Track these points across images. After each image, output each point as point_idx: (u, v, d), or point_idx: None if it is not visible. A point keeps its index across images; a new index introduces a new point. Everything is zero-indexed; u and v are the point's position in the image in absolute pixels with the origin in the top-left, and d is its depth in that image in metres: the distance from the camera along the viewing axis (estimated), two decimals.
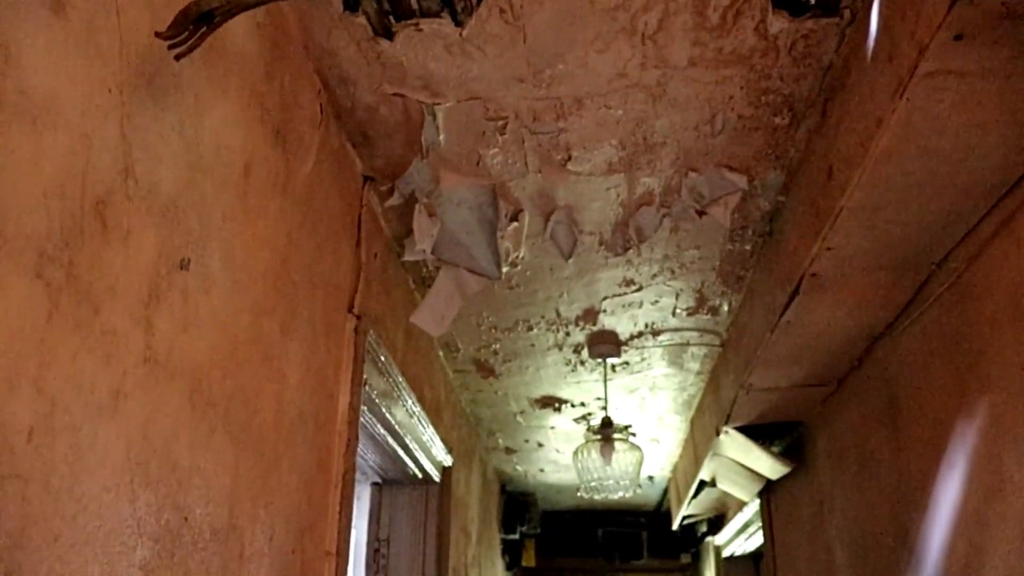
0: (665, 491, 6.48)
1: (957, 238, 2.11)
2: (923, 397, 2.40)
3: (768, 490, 4.20)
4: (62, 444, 1.05)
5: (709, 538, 6.22)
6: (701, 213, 2.50)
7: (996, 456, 2.01)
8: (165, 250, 1.31)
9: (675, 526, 6.02)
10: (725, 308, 3.20)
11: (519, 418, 4.61)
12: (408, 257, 2.64)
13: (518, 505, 6.45)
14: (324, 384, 2.06)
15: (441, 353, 3.64)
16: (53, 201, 1.04)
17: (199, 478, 1.40)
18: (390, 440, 2.87)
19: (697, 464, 4.38)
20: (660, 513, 7.30)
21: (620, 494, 3.63)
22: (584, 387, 4.08)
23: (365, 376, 2.31)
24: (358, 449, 2.77)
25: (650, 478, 6.06)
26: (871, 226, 2.03)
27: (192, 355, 1.39)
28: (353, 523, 3.39)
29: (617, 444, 3.54)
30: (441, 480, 3.58)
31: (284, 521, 1.78)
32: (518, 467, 5.75)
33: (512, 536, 6.49)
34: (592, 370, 3.82)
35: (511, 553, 6.80)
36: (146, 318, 1.25)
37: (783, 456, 3.57)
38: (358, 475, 3.36)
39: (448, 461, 3.62)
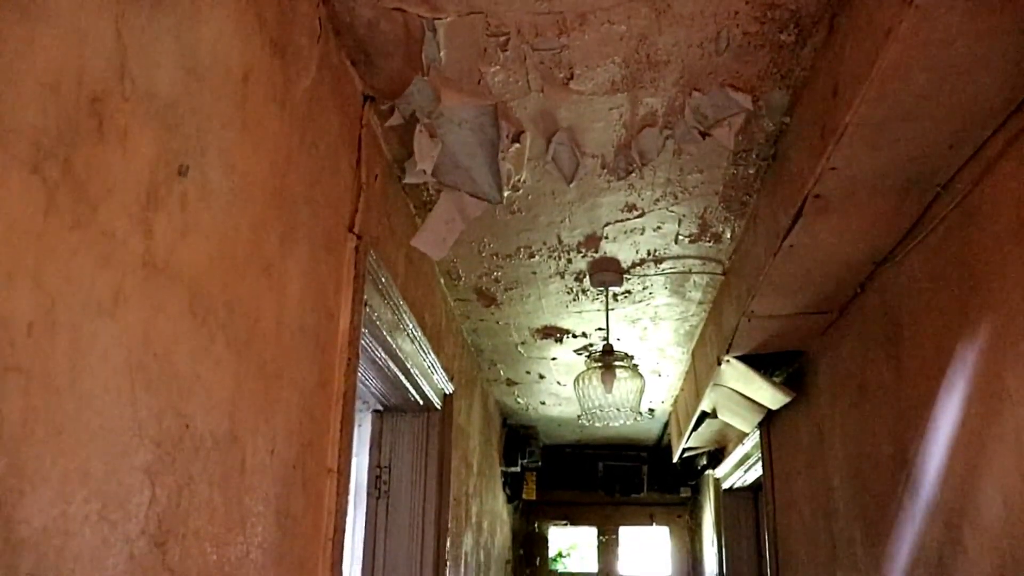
0: (666, 425, 6.54)
1: (964, 158, 2.09)
2: (925, 322, 2.40)
3: (768, 421, 4.22)
4: (63, 340, 1.04)
5: (709, 471, 6.28)
6: (704, 135, 2.47)
7: (996, 375, 2.01)
8: (163, 155, 1.30)
9: (675, 459, 6.07)
10: (728, 235, 3.19)
11: (520, 349, 4.62)
12: (409, 180, 2.62)
13: (519, 438, 6.51)
14: (324, 302, 2.05)
15: (442, 281, 3.64)
16: (48, 95, 1.03)
17: (199, 386, 1.41)
18: (391, 365, 2.88)
19: (698, 396, 4.40)
20: (660, 447, 7.37)
21: (621, 421, 3.65)
22: (586, 317, 4.08)
23: (366, 297, 2.31)
24: (360, 374, 2.78)
25: (651, 411, 6.10)
26: (876, 145, 2.01)
27: (191, 262, 1.38)
28: (355, 450, 3.43)
29: (618, 372, 3.55)
30: (442, 407, 3.60)
31: (285, 436, 1.79)
32: (519, 400, 5.79)
33: (513, 469, 6.56)
34: (594, 299, 3.82)
35: (512, 486, 6.89)
36: (145, 222, 1.24)
37: (784, 386, 3.58)
38: (360, 403, 3.38)
39: (449, 388, 3.64)
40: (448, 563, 3.61)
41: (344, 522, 2.08)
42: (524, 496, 7.34)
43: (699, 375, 4.43)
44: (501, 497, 6.47)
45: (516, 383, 5.37)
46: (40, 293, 1.01)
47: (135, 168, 1.22)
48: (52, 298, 1.03)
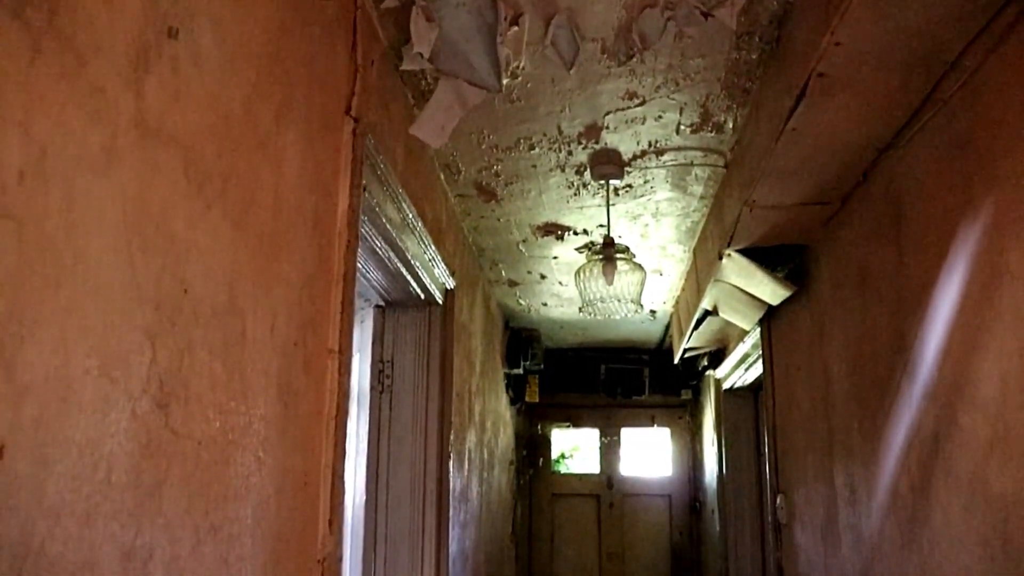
0: (667, 328, 6.58)
1: (972, 32, 2.04)
2: (928, 205, 2.39)
3: (769, 317, 4.24)
4: (56, 193, 1.03)
5: (709, 372, 6.34)
6: (706, 15, 2.42)
7: (998, 252, 2.01)
8: (151, 15, 1.27)
9: (676, 360, 6.12)
10: (730, 125, 3.15)
11: (521, 247, 4.62)
12: (406, 66, 2.58)
13: (522, 341, 6.56)
14: (322, 182, 2.04)
15: (442, 176, 3.62)
16: None
17: (197, 253, 1.40)
18: (392, 256, 2.88)
19: (699, 293, 4.41)
20: (662, 350, 7.43)
21: (622, 314, 3.66)
22: (586, 213, 4.06)
23: (364, 182, 2.29)
24: (360, 265, 2.78)
25: (652, 313, 6.13)
26: (883, 16, 1.96)
27: (185, 128, 1.36)
28: (357, 345, 3.45)
29: (619, 264, 3.55)
30: (444, 302, 3.61)
31: (286, 313, 1.79)
32: (521, 301, 5.81)
33: (516, 371, 6.62)
34: (595, 194, 3.80)
35: (515, 388, 6.96)
36: (136, 82, 1.22)
37: (785, 280, 3.58)
38: (361, 300, 3.39)
39: (451, 283, 3.64)
40: (452, 457, 3.66)
41: (347, 404, 2.10)
42: (527, 399, 7.42)
43: (700, 273, 4.43)
44: (504, 399, 6.54)
45: (517, 283, 5.38)
46: (30, 142, 0.99)
47: (122, 25, 1.19)
48: (42, 149, 1.01)
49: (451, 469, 3.63)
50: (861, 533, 2.98)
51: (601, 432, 8.38)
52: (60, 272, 1.04)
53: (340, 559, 2.04)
